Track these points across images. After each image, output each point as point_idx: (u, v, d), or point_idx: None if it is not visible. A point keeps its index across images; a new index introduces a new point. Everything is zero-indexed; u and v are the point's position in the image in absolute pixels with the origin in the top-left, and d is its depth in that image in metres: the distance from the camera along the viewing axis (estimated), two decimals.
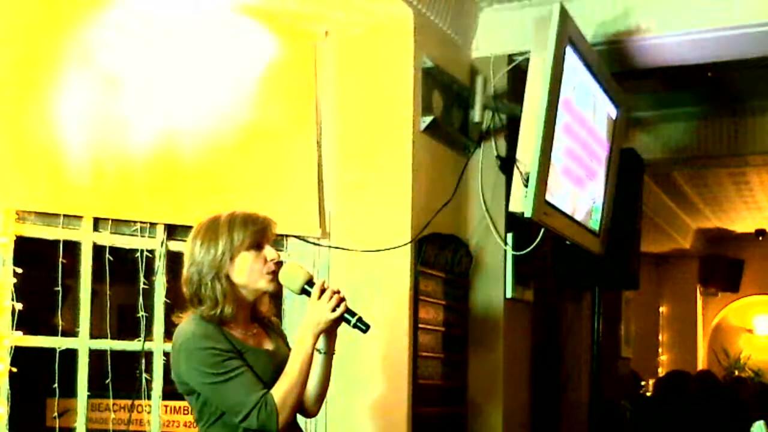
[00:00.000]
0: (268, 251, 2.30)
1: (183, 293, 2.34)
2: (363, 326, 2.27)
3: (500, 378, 3.96)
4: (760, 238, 9.42)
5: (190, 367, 2.19)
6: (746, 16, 3.59)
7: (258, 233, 2.29)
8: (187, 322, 2.27)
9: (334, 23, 3.57)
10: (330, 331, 2.31)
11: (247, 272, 2.27)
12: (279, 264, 2.31)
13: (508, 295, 3.97)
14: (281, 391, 2.20)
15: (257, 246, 2.28)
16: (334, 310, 2.24)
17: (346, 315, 2.26)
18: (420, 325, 3.55)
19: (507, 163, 3.82)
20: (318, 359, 2.31)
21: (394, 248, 3.41)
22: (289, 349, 2.38)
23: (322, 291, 2.26)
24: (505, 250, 3.92)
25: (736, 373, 10.11)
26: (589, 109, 3.77)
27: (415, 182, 3.51)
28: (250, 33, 3.40)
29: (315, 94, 3.56)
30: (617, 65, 3.96)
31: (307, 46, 3.56)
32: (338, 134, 3.57)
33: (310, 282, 2.30)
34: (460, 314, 3.89)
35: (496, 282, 3.97)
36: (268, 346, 2.36)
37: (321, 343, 2.31)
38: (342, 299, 2.26)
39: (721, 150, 5.59)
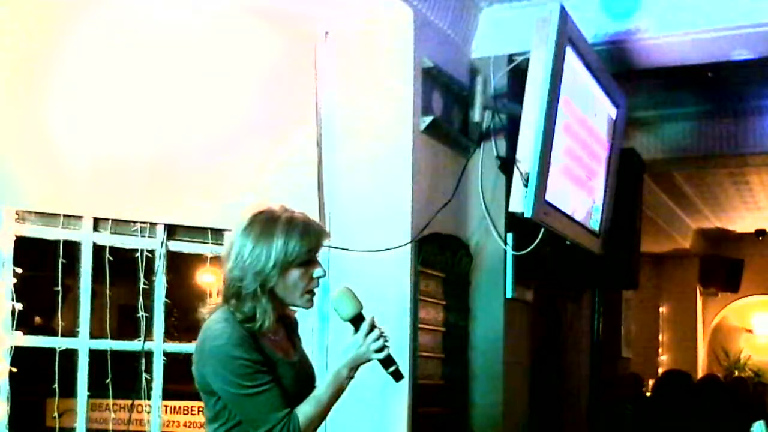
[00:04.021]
0: (317, 270, 2.19)
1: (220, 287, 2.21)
2: (397, 376, 2.24)
3: (500, 378, 3.96)
4: (760, 238, 9.42)
5: (218, 372, 2.08)
6: (746, 17, 3.60)
7: (313, 250, 2.16)
8: (219, 321, 2.12)
9: (334, 23, 3.57)
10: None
11: (291, 288, 2.16)
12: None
13: (508, 295, 3.97)
14: (308, 413, 2.12)
15: (309, 262, 2.16)
16: (378, 351, 2.19)
17: (384, 360, 2.22)
18: (420, 325, 3.55)
19: (507, 163, 3.83)
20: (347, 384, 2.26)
21: (394, 248, 3.41)
22: (307, 358, 2.35)
23: (371, 329, 2.20)
24: (505, 250, 3.92)
25: (736, 373, 10.11)
26: (589, 109, 3.77)
27: (415, 182, 3.51)
28: (250, 33, 3.40)
29: (315, 94, 3.56)
30: (617, 65, 3.96)
31: (307, 46, 3.56)
32: (338, 134, 3.58)
33: (360, 314, 2.22)
34: (460, 314, 3.89)
35: (496, 282, 3.97)
36: (294, 356, 2.27)
37: (354, 372, 2.26)
38: (386, 344, 2.21)
39: (721, 150, 5.59)
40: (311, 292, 2.20)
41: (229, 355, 2.06)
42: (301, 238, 2.12)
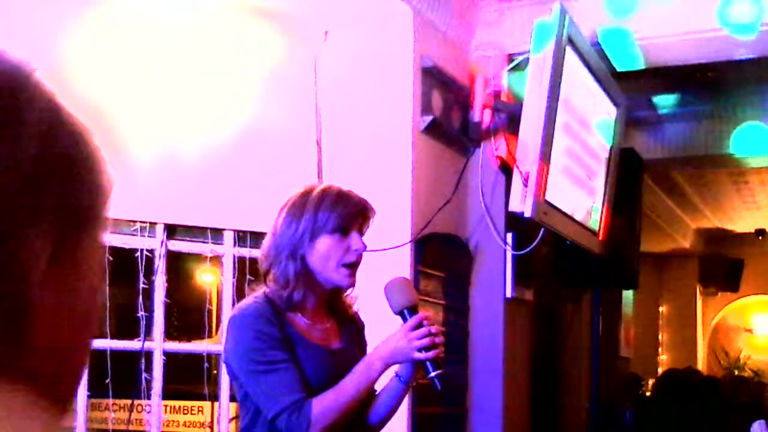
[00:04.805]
0: (354, 239, 2.05)
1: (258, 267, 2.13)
2: (439, 384, 1.99)
3: (500, 378, 3.96)
4: (760, 238, 9.41)
5: (235, 346, 1.97)
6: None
7: (347, 216, 2.03)
8: (249, 298, 2.04)
9: (334, 23, 3.57)
10: (418, 363, 2.03)
11: (324, 258, 2.02)
12: (360, 257, 2.08)
13: (508, 295, 3.98)
14: (324, 403, 1.94)
15: (343, 230, 2.03)
16: (420, 351, 1.98)
17: (428, 362, 1.99)
18: None
19: (507, 163, 3.83)
20: (397, 387, 2.09)
21: (394, 248, 3.41)
22: (362, 356, 2.14)
23: (419, 325, 2.00)
24: (505, 250, 3.92)
25: (736, 372, 10.11)
26: (589, 109, 3.77)
27: (415, 182, 3.51)
28: (250, 33, 3.40)
29: (315, 94, 3.56)
30: (617, 65, 3.96)
31: (307, 46, 3.56)
32: (338, 134, 3.58)
33: (413, 308, 2.03)
34: (460, 314, 3.89)
35: (496, 282, 3.97)
36: (336, 344, 2.10)
37: (404, 371, 2.08)
38: (434, 345, 1.99)
39: (721, 150, 5.59)
40: (348, 267, 2.05)
41: (245, 326, 1.96)
42: (332, 205, 2.03)
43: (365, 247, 2.08)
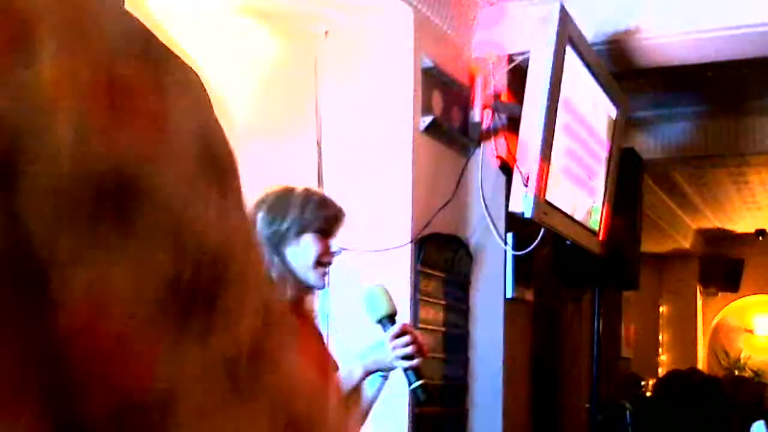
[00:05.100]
0: (333, 241, 2.10)
1: None
2: (422, 395, 2.03)
3: (500, 378, 3.96)
4: (760, 238, 9.41)
5: None
6: (746, 16, 3.60)
7: (331, 219, 2.08)
8: None
9: (334, 23, 3.57)
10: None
11: (304, 255, 2.04)
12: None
13: (508, 295, 3.98)
14: None
15: (324, 232, 2.07)
16: (404, 359, 2.01)
17: (409, 372, 2.03)
18: (420, 325, 3.54)
19: (507, 163, 3.83)
20: (377, 382, 2.11)
21: (394, 248, 3.41)
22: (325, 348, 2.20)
23: (401, 334, 2.03)
24: (505, 250, 3.92)
25: (736, 373, 10.11)
26: (589, 109, 3.77)
27: (415, 182, 3.51)
28: (250, 33, 3.40)
29: (315, 94, 3.56)
30: (617, 65, 3.96)
31: (307, 46, 3.56)
32: (338, 134, 3.58)
33: (392, 317, 2.07)
34: (460, 314, 3.89)
35: (496, 282, 3.97)
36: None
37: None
38: (416, 354, 2.02)
39: (721, 150, 5.59)
40: (324, 266, 2.07)
41: None
42: (317, 207, 2.07)
43: (341, 251, 2.13)
